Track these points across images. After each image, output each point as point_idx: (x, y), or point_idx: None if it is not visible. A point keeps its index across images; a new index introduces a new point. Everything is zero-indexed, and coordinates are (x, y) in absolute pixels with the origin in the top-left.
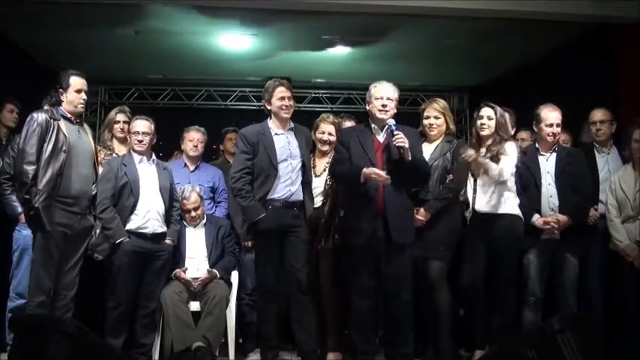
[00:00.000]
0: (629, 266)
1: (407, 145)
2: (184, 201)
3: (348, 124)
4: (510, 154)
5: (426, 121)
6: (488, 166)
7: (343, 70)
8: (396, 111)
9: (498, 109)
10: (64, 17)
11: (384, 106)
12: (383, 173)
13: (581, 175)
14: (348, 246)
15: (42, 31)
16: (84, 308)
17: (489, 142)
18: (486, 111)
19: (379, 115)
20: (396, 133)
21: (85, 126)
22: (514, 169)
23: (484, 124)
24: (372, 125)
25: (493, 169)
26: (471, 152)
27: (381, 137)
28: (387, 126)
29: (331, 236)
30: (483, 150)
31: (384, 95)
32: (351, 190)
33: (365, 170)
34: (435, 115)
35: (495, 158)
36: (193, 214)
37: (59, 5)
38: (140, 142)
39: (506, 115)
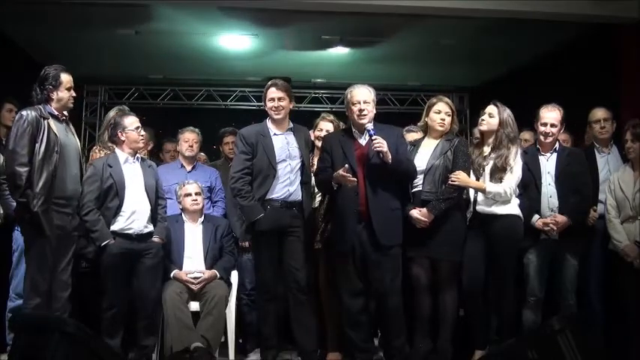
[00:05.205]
0: (628, 266)
1: (385, 149)
2: (185, 186)
3: (415, 135)
4: (515, 169)
5: (437, 116)
6: (490, 189)
7: (343, 70)
8: (375, 111)
9: (507, 109)
10: (64, 17)
11: (360, 110)
12: (348, 174)
13: (580, 175)
14: (334, 250)
15: (42, 30)
16: (81, 308)
17: (491, 139)
18: (489, 108)
19: (358, 120)
20: (373, 138)
21: (70, 124)
22: (518, 182)
23: (483, 119)
24: (353, 129)
25: (497, 191)
26: (462, 176)
27: (362, 140)
28: (366, 130)
29: (322, 237)
30: (487, 149)
31: (360, 99)
32: (334, 196)
33: (334, 175)
34: (447, 112)
35: (500, 168)
36: (195, 197)
37: (59, 5)
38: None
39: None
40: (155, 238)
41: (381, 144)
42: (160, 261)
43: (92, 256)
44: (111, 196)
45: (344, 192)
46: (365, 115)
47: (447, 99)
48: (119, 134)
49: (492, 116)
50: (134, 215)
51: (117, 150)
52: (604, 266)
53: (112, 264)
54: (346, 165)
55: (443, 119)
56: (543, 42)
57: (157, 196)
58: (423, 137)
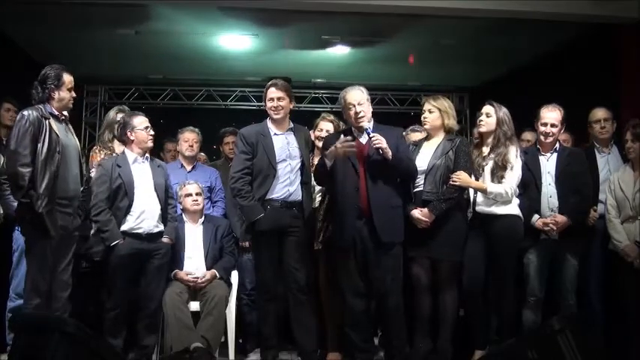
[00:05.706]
0: (628, 266)
1: (384, 146)
2: (186, 187)
3: (419, 135)
4: (515, 167)
5: (422, 115)
6: (491, 190)
7: (343, 70)
8: (371, 110)
9: (503, 108)
10: (64, 17)
11: (357, 113)
12: (347, 138)
13: (581, 175)
14: (335, 248)
15: (42, 30)
16: (81, 308)
17: (490, 139)
18: (486, 108)
19: (357, 123)
20: (371, 136)
21: (69, 124)
22: (518, 181)
23: (481, 120)
24: (353, 129)
25: (498, 192)
26: (464, 177)
27: (362, 139)
28: (364, 130)
29: (323, 237)
30: (486, 149)
31: (354, 102)
32: (334, 192)
33: (327, 152)
34: (429, 109)
35: (501, 166)
36: (195, 197)
37: (59, 5)
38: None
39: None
40: (164, 239)
41: (380, 141)
42: (167, 261)
43: (101, 256)
44: (120, 196)
45: (344, 188)
46: (362, 116)
47: (435, 97)
48: (128, 134)
49: (490, 116)
50: (143, 215)
51: (126, 150)
52: (604, 266)
53: (120, 264)
54: (346, 137)
55: (425, 117)
56: (543, 42)
57: (166, 196)
58: (425, 137)
